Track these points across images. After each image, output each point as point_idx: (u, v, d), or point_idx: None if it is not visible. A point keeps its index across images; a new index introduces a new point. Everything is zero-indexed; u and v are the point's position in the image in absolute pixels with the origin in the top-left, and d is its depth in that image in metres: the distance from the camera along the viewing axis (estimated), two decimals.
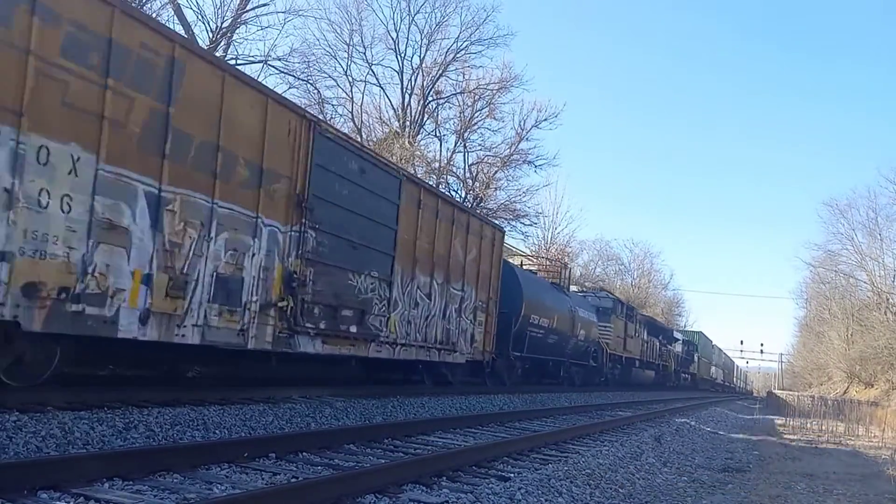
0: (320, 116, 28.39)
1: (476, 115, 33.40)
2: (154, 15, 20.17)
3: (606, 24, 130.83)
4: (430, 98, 32.81)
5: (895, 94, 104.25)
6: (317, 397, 10.10)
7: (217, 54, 22.30)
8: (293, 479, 5.31)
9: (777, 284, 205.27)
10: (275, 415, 8.21)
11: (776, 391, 62.85)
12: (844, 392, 49.48)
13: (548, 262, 33.08)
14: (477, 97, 33.03)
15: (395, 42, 32.45)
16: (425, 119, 32.95)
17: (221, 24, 22.83)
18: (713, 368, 65.29)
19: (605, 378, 27.43)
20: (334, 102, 30.96)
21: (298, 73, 25.56)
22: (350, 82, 31.67)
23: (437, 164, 32.26)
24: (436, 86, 32.77)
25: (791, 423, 19.57)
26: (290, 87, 26.27)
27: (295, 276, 9.17)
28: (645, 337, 35.09)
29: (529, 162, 34.47)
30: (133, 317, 6.90)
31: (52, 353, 6.87)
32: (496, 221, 28.74)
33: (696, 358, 53.02)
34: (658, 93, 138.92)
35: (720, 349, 74.12)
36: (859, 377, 50.12)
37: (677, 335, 46.92)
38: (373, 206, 11.13)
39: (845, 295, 54.43)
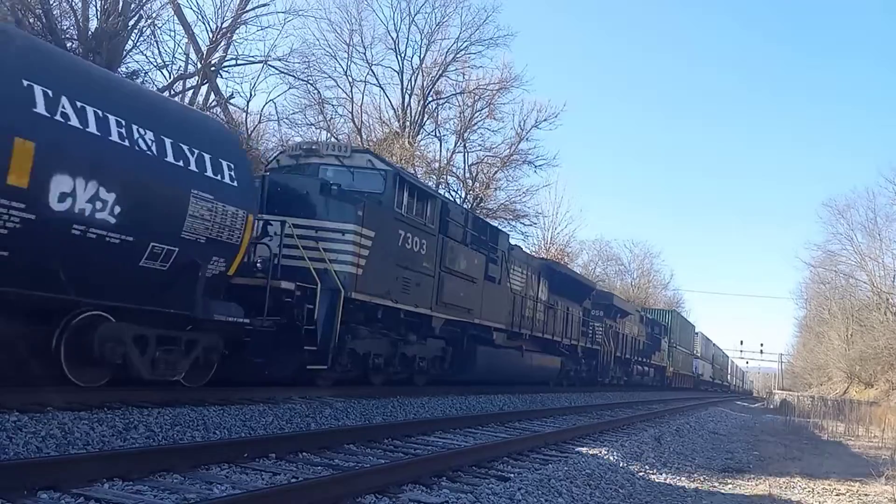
0: (319, 117, 28.52)
1: (476, 115, 33.41)
2: (154, 15, 20.21)
3: (606, 24, 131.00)
4: (430, 98, 32.81)
5: (895, 94, 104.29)
6: (317, 397, 10.08)
7: (217, 55, 22.35)
8: (293, 479, 5.31)
9: (777, 284, 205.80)
10: (275, 415, 8.21)
11: (777, 391, 62.27)
12: (844, 392, 49.52)
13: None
14: (477, 97, 33.03)
15: (395, 42, 32.46)
16: (425, 119, 32.95)
17: (221, 24, 22.80)
18: (697, 362, 53.25)
19: (333, 360, 10.61)
20: (334, 103, 30.98)
21: (298, 74, 25.57)
22: (350, 82, 31.66)
23: (436, 165, 32.27)
24: (436, 86, 32.77)
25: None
26: (290, 88, 26.33)
27: None
28: (540, 293, 19.55)
29: (529, 162, 34.49)
30: None
31: None
32: (496, 222, 28.75)
33: (664, 345, 40.04)
34: (658, 94, 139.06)
35: (708, 339, 62.12)
36: (859, 377, 50.17)
37: (626, 307, 31.73)
38: None
39: (845, 295, 54.54)
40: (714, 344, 65.69)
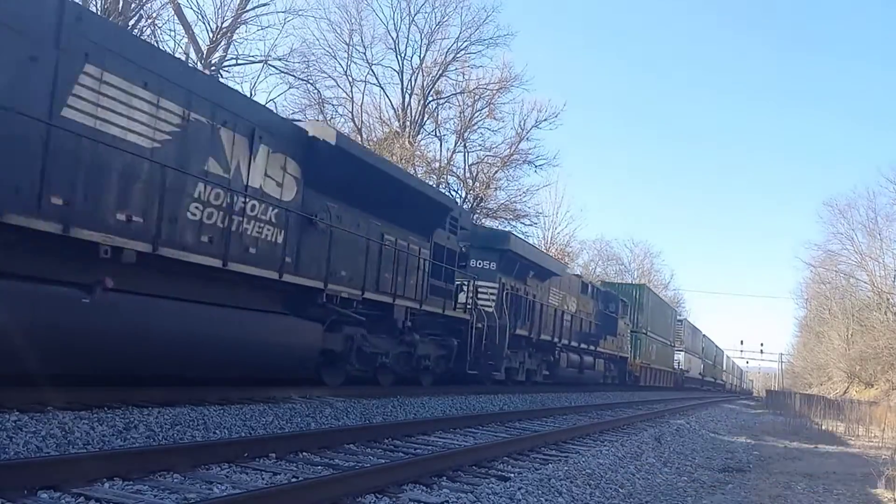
0: (320, 117, 28.54)
1: (476, 115, 33.45)
2: (154, 15, 20.21)
3: (606, 25, 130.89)
4: (430, 98, 32.85)
5: (895, 94, 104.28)
6: (317, 397, 10.09)
7: (217, 54, 22.36)
8: (293, 479, 5.31)
9: (777, 284, 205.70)
10: (275, 415, 8.21)
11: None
12: (844, 392, 49.48)
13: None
14: (477, 97, 33.07)
15: (395, 42, 32.51)
16: (425, 119, 32.99)
17: (221, 24, 22.85)
18: (681, 355, 44.06)
19: None
20: (334, 102, 31.02)
21: (298, 73, 25.64)
22: (350, 82, 31.73)
23: (437, 165, 32.28)
24: (436, 86, 32.81)
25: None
26: (290, 87, 26.36)
27: None
28: (267, 184, 9.35)
29: (529, 162, 34.55)
30: None
31: None
32: (496, 223, 28.66)
33: (623, 329, 29.42)
34: (658, 93, 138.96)
35: (697, 329, 54.63)
36: (859, 377, 50.15)
37: (546, 263, 20.48)
38: None
39: (845, 295, 54.55)
40: (705, 336, 58.51)
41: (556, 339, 21.08)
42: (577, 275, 26.70)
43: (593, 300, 25.86)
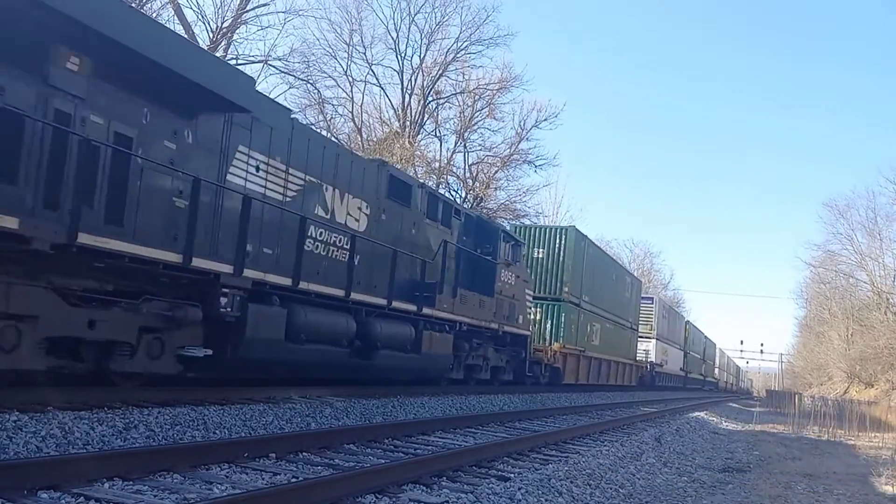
0: (320, 117, 28.54)
1: (476, 115, 33.43)
2: (154, 15, 20.21)
3: (607, 26, 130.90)
4: (430, 98, 32.82)
5: (894, 94, 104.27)
6: (317, 397, 10.09)
7: (217, 54, 22.34)
8: (293, 479, 5.31)
9: (777, 284, 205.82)
10: (275, 415, 8.21)
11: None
12: (844, 392, 49.51)
13: None
14: (477, 97, 33.04)
15: (395, 42, 32.48)
16: (425, 119, 32.96)
17: (221, 24, 22.87)
18: (653, 344, 34.64)
19: None
20: (334, 102, 30.99)
21: (298, 73, 25.63)
22: (350, 82, 31.69)
23: (437, 165, 32.27)
24: (436, 86, 32.78)
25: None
26: (290, 87, 26.35)
27: None
28: None
29: (529, 162, 34.53)
30: None
31: None
32: (497, 222, 28.51)
33: (515, 285, 16.77)
34: (658, 93, 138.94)
35: (677, 312, 46.96)
36: (859, 377, 50.14)
37: (219, 86, 7.58)
38: None
39: (845, 295, 54.56)
40: (691, 323, 49.38)
41: (226, 271, 8.23)
42: (382, 161, 13.88)
43: (435, 224, 13.98)
